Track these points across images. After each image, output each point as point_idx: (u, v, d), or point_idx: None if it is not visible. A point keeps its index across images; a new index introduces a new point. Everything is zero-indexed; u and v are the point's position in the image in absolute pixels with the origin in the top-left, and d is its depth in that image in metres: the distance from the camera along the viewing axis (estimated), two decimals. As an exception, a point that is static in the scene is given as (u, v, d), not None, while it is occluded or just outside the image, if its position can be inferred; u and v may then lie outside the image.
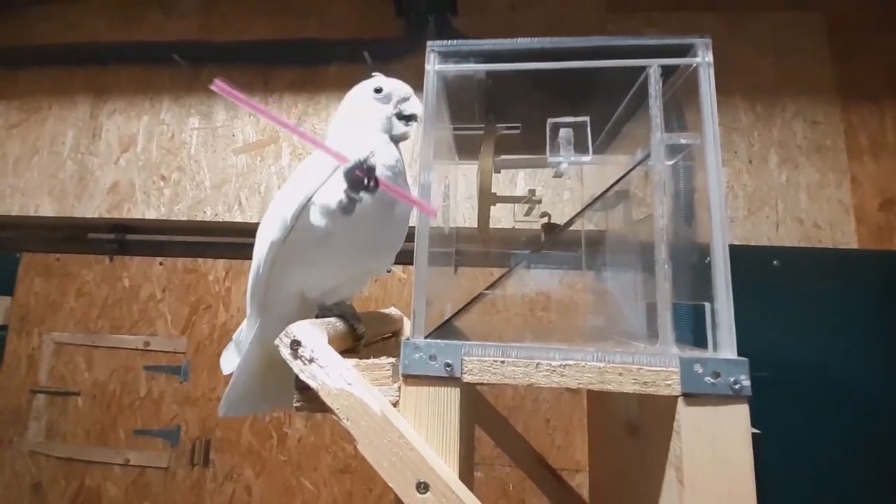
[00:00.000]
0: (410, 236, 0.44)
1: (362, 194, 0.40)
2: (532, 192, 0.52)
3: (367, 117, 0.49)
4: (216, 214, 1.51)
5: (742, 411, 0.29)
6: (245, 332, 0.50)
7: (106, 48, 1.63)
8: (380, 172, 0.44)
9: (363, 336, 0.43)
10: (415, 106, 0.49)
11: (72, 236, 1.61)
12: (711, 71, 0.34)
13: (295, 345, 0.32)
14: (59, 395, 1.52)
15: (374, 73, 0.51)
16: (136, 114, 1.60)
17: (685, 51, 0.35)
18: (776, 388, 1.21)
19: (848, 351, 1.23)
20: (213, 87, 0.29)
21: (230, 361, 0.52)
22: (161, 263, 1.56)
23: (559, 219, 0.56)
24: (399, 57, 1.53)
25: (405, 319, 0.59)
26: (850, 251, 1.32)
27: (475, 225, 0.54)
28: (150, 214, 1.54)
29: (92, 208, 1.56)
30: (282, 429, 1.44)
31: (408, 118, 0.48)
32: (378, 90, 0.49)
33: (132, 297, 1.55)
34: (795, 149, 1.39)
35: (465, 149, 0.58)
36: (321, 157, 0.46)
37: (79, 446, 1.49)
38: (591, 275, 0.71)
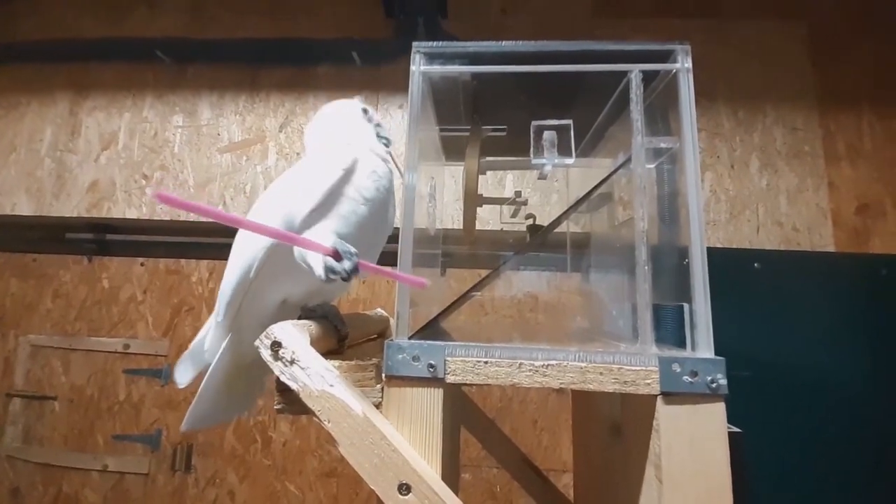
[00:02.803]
0: (395, 237, 0.44)
1: (341, 276, 0.38)
2: (518, 193, 0.53)
3: (359, 132, 0.50)
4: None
5: (719, 409, 0.30)
6: (211, 339, 0.47)
7: (89, 44, 1.59)
8: (370, 192, 0.44)
9: (347, 337, 0.43)
10: (387, 131, 0.52)
11: (49, 236, 1.56)
12: (690, 77, 0.35)
13: (276, 346, 0.31)
14: (35, 399, 1.47)
15: (355, 96, 0.53)
16: (118, 111, 1.57)
17: (666, 56, 0.36)
18: (756, 388, 1.23)
19: (826, 349, 1.27)
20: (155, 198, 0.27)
21: (188, 373, 0.50)
22: (142, 264, 1.53)
23: (546, 220, 0.56)
24: (388, 59, 1.52)
25: (391, 320, 0.59)
26: (827, 254, 1.36)
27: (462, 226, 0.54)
28: (132, 214, 1.50)
29: (70, 207, 1.52)
30: (266, 432, 1.42)
31: (381, 139, 0.51)
32: (365, 111, 0.51)
33: (111, 298, 1.51)
34: (776, 154, 1.43)
35: (452, 150, 0.58)
36: (327, 161, 0.45)
37: (56, 451, 1.44)
38: (577, 276, 0.72)
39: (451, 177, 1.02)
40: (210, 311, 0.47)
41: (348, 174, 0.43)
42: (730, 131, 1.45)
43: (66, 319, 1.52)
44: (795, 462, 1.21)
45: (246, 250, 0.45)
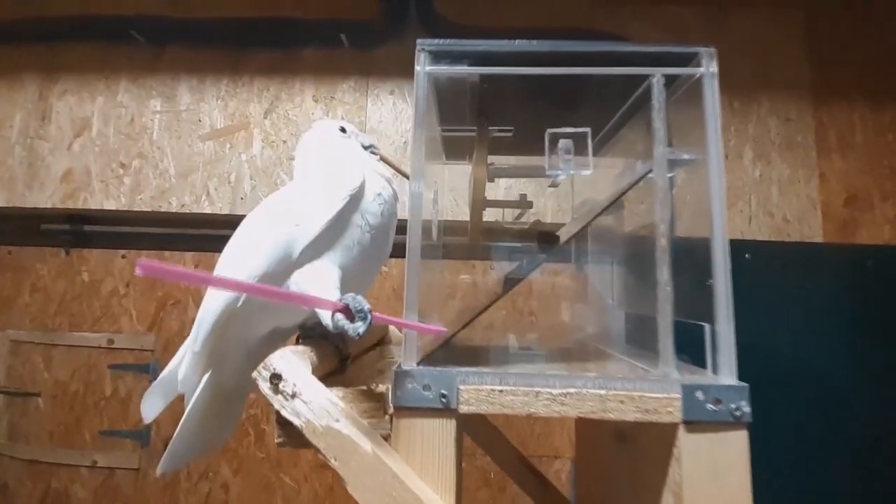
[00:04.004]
0: (401, 229, 0.41)
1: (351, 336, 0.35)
2: (523, 196, 0.50)
3: (350, 152, 0.47)
4: (183, 205, 1.43)
5: (741, 437, 0.29)
6: (187, 370, 0.42)
7: (58, 23, 1.49)
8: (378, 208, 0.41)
9: (350, 357, 0.41)
10: (367, 137, 0.50)
11: (24, 227, 1.49)
12: (716, 82, 0.33)
13: (275, 379, 0.29)
14: (18, 395, 1.43)
15: (323, 117, 0.50)
16: (90, 94, 1.48)
17: (688, 59, 0.33)
18: (745, 376, 1.26)
19: (814, 339, 1.29)
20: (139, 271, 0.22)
21: (156, 406, 0.45)
22: (123, 256, 1.47)
23: (543, 210, 0.54)
24: (379, 41, 1.46)
25: (390, 328, 0.57)
26: (816, 245, 1.38)
27: (458, 217, 0.52)
28: (110, 205, 1.44)
29: (44, 198, 1.44)
30: (259, 426, 1.40)
31: (368, 148, 0.49)
32: (343, 129, 0.49)
33: (92, 292, 1.46)
34: (769, 144, 1.43)
35: (452, 148, 0.55)
36: (331, 183, 0.41)
37: (43, 448, 1.41)
38: (574, 268, 0.70)
39: (448, 171, 0.99)
40: (197, 305, 0.43)
41: (356, 200, 0.40)
42: (725, 121, 1.44)
43: (45, 314, 1.46)
44: (782, 450, 1.25)
45: (234, 276, 0.39)
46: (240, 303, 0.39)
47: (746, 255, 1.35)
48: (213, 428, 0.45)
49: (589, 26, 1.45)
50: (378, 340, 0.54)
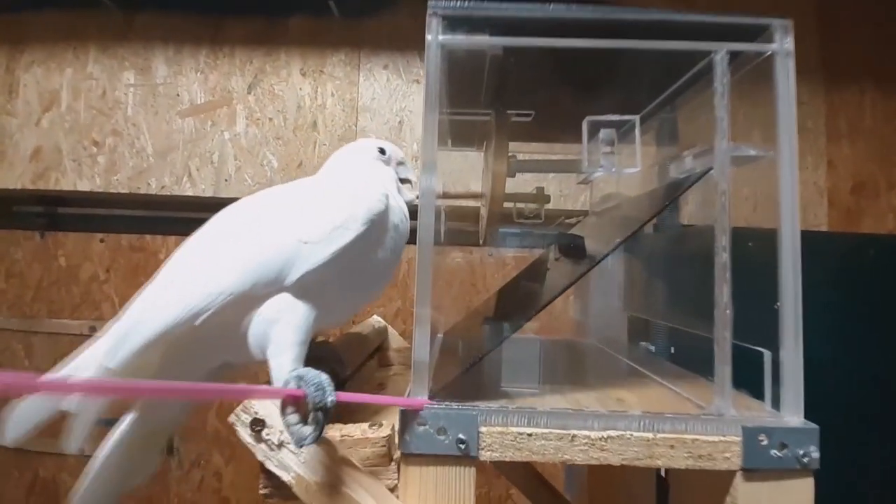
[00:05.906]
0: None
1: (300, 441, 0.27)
2: (540, 189, 0.45)
3: (379, 176, 0.42)
4: (163, 187, 1.34)
5: (807, 486, 0.25)
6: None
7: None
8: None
9: (347, 380, 0.36)
10: (410, 171, 0.44)
11: (-6, 209, 1.40)
12: (792, 62, 0.27)
13: (257, 425, 0.24)
14: (-5, 384, 1.38)
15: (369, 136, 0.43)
16: (58, 66, 1.36)
17: (757, 33, 0.28)
18: (745, 363, 1.25)
19: (813, 329, 1.28)
20: None
21: (22, 425, 0.37)
22: (102, 240, 1.39)
23: (551, 190, 0.49)
24: (371, 9, 1.36)
25: (389, 329, 0.52)
26: (819, 233, 1.35)
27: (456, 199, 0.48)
28: (84, 186, 1.34)
29: (13, 178, 1.35)
30: (251, 415, 1.38)
31: (403, 181, 0.44)
32: (382, 151, 0.43)
33: (70, 277, 1.39)
34: (779, 128, 1.38)
35: (459, 133, 0.49)
36: (346, 201, 0.34)
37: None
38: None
39: (446, 154, 0.93)
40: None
41: (373, 228, 0.34)
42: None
43: (22, 301, 1.39)
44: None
45: (196, 286, 0.32)
46: (199, 321, 0.31)
47: (749, 244, 1.32)
48: (136, 469, 0.39)
49: (662, 9, 1.35)
50: (376, 348, 0.49)
